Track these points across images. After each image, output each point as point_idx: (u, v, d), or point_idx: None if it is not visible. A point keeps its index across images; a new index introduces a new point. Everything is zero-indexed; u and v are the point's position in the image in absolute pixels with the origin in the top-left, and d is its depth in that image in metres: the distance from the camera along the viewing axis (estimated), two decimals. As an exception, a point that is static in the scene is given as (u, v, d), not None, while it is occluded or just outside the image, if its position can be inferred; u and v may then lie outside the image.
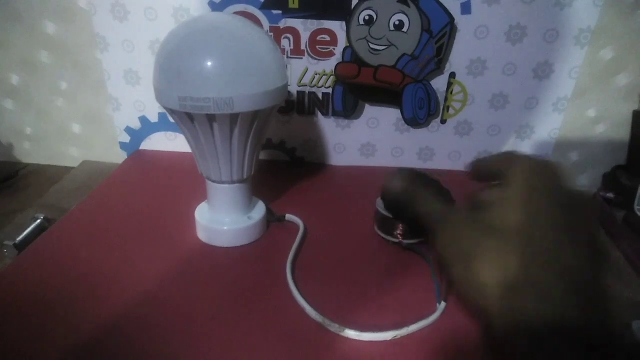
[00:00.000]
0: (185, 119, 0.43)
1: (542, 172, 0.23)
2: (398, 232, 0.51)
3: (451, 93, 0.65)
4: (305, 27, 0.62)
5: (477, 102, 0.66)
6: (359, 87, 0.66)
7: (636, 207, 0.59)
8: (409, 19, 0.60)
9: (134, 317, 0.41)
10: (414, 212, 0.28)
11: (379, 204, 0.52)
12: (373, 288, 0.46)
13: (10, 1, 0.64)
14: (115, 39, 0.64)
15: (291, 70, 0.65)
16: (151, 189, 0.63)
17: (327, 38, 0.62)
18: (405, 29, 0.61)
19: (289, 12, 0.61)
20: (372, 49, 0.63)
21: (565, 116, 0.67)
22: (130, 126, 0.72)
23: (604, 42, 0.62)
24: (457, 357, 0.39)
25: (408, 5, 0.59)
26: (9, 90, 0.71)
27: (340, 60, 0.64)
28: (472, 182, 0.28)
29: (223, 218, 0.51)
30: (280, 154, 0.73)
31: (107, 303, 0.42)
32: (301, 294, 0.44)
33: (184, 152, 0.72)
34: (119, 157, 0.74)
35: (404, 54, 0.63)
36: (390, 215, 0.50)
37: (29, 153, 0.77)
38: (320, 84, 0.66)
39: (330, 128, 0.70)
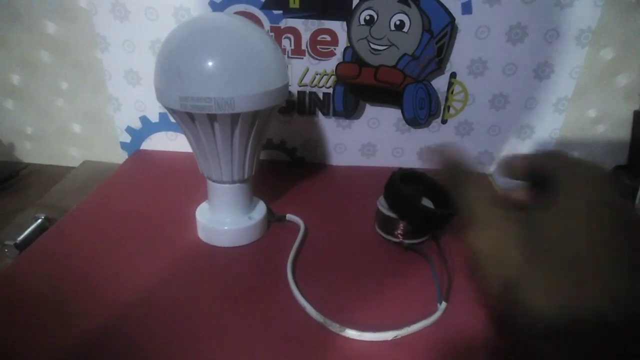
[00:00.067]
0: (186, 118, 0.43)
1: (603, 184, 0.21)
2: (399, 231, 0.51)
3: (452, 93, 0.65)
4: (305, 27, 0.62)
5: (477, 102, 0.66)
6: (359, 87, 0.66)
7: (637, 207, 0.59)
8: (409, 18, 0.60)
9: (134, 316, 0.41)
10: (456, 194, 0.25)
11: (380, 204, 0.52)
12: (374, 288, 0.46)
13: (11, 1, 0.64)
14: (115, 39, 0.64)
15: (292, 70, 0.65)
16: (152, 188, 0.63)
17: (328, 38, 0.62)
18: (405, 29, 0.61)
19: (289, 12, 0.61)
20: (372, 48, 0.63)
21: (565, 116, 0.67)
22: (131, 126, 0.72)
23: (604, 42, 0.62)
24: (458, 356, 0.39)
25: (409, 5, 0.59)
26: (10, 90, 0.72)
27: (341, 60, 0.64)
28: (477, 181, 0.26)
29: (224, 218, 0.51)
30: (281, 154, 0.73)
31: (108, 302, 0.42)
32: (302, 293, 0.44)
33: (185, 152, 0.72)
34: (120, 157, 0.74)
35: (405, 54, 0.63)
36: (392, 215, 0.50)
37: (30, 153, 0.78)
38: (320, 84, 0.66)
39: (330, 128, 0.70)
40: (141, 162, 0.72)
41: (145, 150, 0.74)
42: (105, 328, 0.40)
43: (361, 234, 0.54)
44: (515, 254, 0.21)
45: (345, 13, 0.61)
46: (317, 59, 0.64)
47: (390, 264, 0.50)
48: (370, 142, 0.70)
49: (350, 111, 0.68)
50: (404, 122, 0.68)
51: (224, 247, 0.51)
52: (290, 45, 0.63)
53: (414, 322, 0.41)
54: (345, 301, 0.44)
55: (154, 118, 0.71)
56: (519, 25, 0.60)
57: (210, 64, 0.40)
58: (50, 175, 0.73)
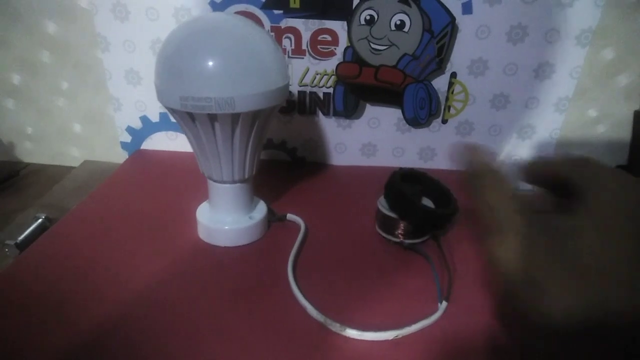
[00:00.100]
0: (186, 118, 0.43)
1: (635, 194, 0.20)
2: (399, 231, 0.51)
3: (452, 93, 0.65)
4: (306, 27, 0.62)
5: (478, 102, 0.66)
6: (359, 87, 0.66)
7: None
8: (410, 18, 0.60)
9: (134, 315, 0.41)
10: (479, 194, 0.24)
11: (381, 203, 0.52)
12: (374, 287, 0.46)
13: (11, 1, 0.64)
14: (116, 39, 0.64)
15: (292, 70, 0.65)
16: (152, 188, 0.63)
17: (328, 38, 0.62)
18: (406, 29, 0.61)
19: (290, 12, 0.61)
20: (373, 48, 0.63)
21: (566, 116, 0.66)
22: (131, 126, 0.72)
23: (605, 42, 0.62)
24: (459, 356, 0.39)
25: (409, 5, 0.59)
26: (10, 89, 0.72)
27: (341, 60, 0.64)
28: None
29: (224, 217, 0.51)
30: (281, 153, 0.73)
31: (108, 302, 0.42)
32: (302, 293, 0.44)
33: (185, 152, 0.72)
34: (120, 156, 0.74)
35: (405, 54, 0.63)
36: (392, 215, 0.50)
37: (30, 152, 0.78)
38: (321, 84, 0.66)
39: (331, 128, 0.70)
40: (141, 161, 0.72)
41: (145, 150, 0.74)
42: (106, 327, 0.40)
43: (361, 234, 0.54)
44: (540, 264, 0.20)
45: (345, 13, 0.61)
46: (317, 59, 0.64)
47: (390, 263, 0.50)
48: (371, 142, 0.70)
49: (350, 111, 0.68)
50: (404, 122, 0.68)
51: (225, 247, 0.51)
52: (291, 45, 0.63)
53: (414, 322, 0.41)
54: (346, 301, 0.44)
55: (155, 118, 0.71)
56: (520, 25, 0.60)
57: (210, 63, 0.40)
58: (50, 175, 0.73)
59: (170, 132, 0.72)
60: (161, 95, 0.43)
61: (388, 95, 0.66)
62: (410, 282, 0.47)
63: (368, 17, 0.61)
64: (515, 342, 0.22)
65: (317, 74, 0.65)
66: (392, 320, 0.41)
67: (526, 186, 0.25)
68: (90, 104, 0.72)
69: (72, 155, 0.77)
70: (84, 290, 0.44)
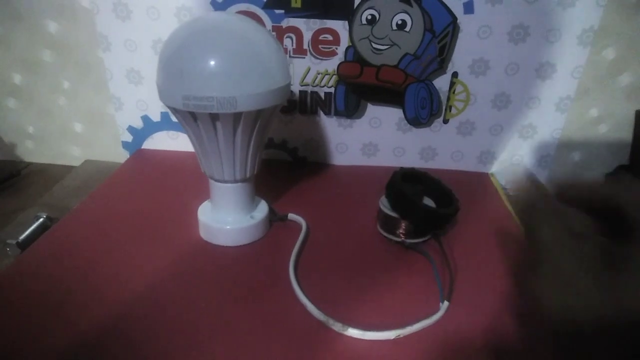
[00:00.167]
0: (188, 117, 0.43)
1: None
2: (401, 231, 0.51)
3: (453, 92, 0.65)
4: (307, 27, 0.62)
5: (479, 102, 0.66)
6: (361, 87, 0.66)
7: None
8: (411, 18, 0.60)
9: (135, 315, 0.41)
10: (529, 220, 0.23)
11: (382, 203, 0.52)
12: (376, 287, 0.46)
13: (12, 0, 0.64)
14: (117, 38, 0.64)
15: (293, 70, 0.65)
16: (153, 188, 0.63)
17: (330, 37, 0.62)
18: (407, 29, 0.61)
19: (291, 12, 0.61)
20: (374, 48, 0.63)
21: (567, 116, 0.66)
22: (133, 125, 0.72)
23: (606, 42, 0.61)
24: (460, 356, 0.39)
25: (410, 5, 0.59)
26: (12, 89, 0.72)
27: (343, 59, 0.64)
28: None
29: (226, 217, 0.51)
30: (282, 153, 0.73)
31: (109, 301, 0.42)
32: (304, 292, 0.44)
33: (186, 151, 0.72)
34: (121, 156, 0.74)
35: (407, 54, 0.63)
36: (394, 214, 0.50)
37: (31, 152, 0.78)
38: (322, 84, 0.66)
39: (332, 127, 0.70)
40: (142, 161, 0.72)
41: (146, 150, 0.74)
42: (107, 327, 0.40)
43: (363, 234, 0.54)
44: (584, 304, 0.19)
45: (347, 12, 0.60)
46: (318, 59, 0.64)
47: (392, 263, 0.50)
48: (372, 141, 0.70)
49: (351, 111, 0.68)
50: (405, 121, 0.68)
51: (226, 246, 0.51)
52: (292, 45, 0.63)
53: (416, 322, 0.41)
54: (347, 300, 0.44)
55: (156, 117, 0.71)
56: (521, 25, 0.60)
57: (212, 63, 0.40)
58: (51, 174, 0.73)
59: (171, 132, 0.72)
60: (163, 95, 0.43)
61: (389, 95, 0.66)
62: (412, 282, 0.47)
63: (369, 17, 0.61)
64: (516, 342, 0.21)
65: (319, 74, 0.65)
66: (394, 319, 0.41)
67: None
68: (91, 104, 0.72)
69: (73, 155, 0.77)
70: (85, 289, 0.44)
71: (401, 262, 0.50)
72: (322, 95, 0.67)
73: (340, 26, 0.61)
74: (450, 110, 0.67)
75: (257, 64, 0.42)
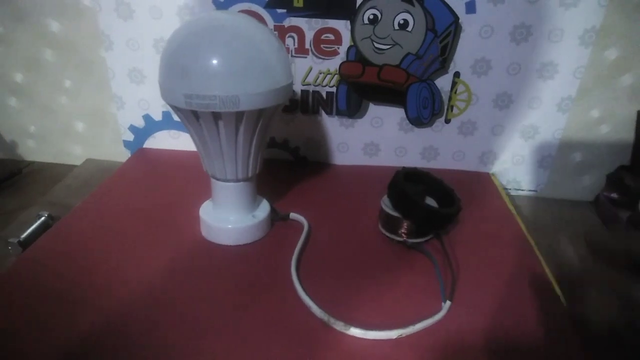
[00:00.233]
0: (190, 116, 0.43)
1: None
2: (402, 230, 0.51)
3: (455, 92, 0.65)
4: (309, 26, 0.62)
5: (481, 102, 0.66)
6: (363, 86, 0.66)
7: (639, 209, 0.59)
8: (413, 18, 0.60)
9: (137, 314, 0.41)
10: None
11: (384, 203, 0.52)
12: (378, 286, 0.46)
13: (15, -1, 0.64)
14: (119, 37, 0.64)
15: (295, 69, 0.65)
16: (155, 187, 0.63)
17: (332, 37, 0.62)
18: (409, 28, 0.61)
19: (293, 11, 0.61)
20: (376, 48, 0.63)
21: (569, 116, 0.66)
22: (134, 124, 0.72)
23: (608, 42, 0.61)
24: (462, 356, 0.39)
25: (412, 4, 0.59)
26: (13, 88, 0.72)
27: (345, 59, 0.64)
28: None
29: (227, 216, 0.51)
30: (284, 152, 0.73)
31: (110, 300, 0.42)
32: (306, 292, 0.44)
33: (188, 151, 0.72)
34: (123, 155, 0.74)
35: (408, 53, 0.63)
36: (396, 214, 0.50)
37: (33, 151, 0.78)
38: (324, 83, 0.66)
39: (333, 127, 0.70)
40: (144, 160, 0.72)
41: (148, 149, 0.74)
42: (108, 325, 0.40)
43: (365, 233, 0.54)
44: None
45: (349, 12, 0.60)
46: (320, 58, 0.64)
47: (394, 263, 0.50)
48: (373, 141, 0.70)
49: (353, 110, 0.68)
50: (407, 121, 0.68)
51: (228, 246, 0.51)
52: (294, 44, 0.63)
53: (418, 321, 0.41)
54: (349, 300, 0.44)
55: (157, 117, 0.71)
56: (523, 25, 0.60)
57: (215, 62, 0.40)
58: (53, 173, 0.73)
59: (173, 131, 0.72)
60: (165, 94, 0.43)
61: (391, 95, 0.66)
62: (414, 282, 0.47)
63: (371, 17, 0.61)
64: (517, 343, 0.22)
65: (320, 73, 0.65)
66: (396, 319, 0.41)
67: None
68: (93, 103, 0.72)
69: (75, 154, 0.77)
70: (86, 288, 0.44)
71: (403, 262, 0.50)
72: (324, 94, 0.67)
73: (342, 26, 0.61)
74: (452, 110, 0.67)
75: (259, 63, 0.42)
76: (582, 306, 0.26)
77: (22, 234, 0.52)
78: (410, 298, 0.45)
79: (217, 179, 0.49)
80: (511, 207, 0.63)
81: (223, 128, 0.44)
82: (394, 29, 0.61)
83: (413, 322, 0.41)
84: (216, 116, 0.42)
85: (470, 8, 0.59)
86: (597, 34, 0.60)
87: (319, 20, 0.61)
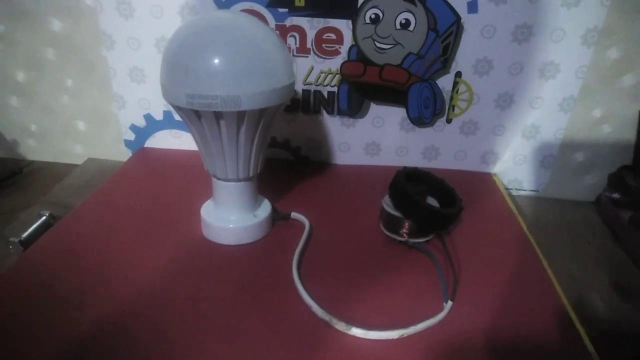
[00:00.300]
0: (192, 116, 0.43)
1: None
2: (404, 230, 0.50)
3: (457, 92, 0.65)
4: (311, 26, 0.62)
5: (482, 102, 0.66)
6: (364, 86, 0.66)
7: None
8: (415, 17, 0.60)
9: (137, 313, 0.41)
10: None
11: (385, 203, 0.52)
12: (379, 287, 0.46)
13: (16, -2, 0.64)
14: (120, 37, 0.64)
15: (297, 69, 0.65)
16: (156, 186, 0.63)
17: (333, 36, 0.62)
18: (411, 28, 0.61)
19: (295, 11, 0.61)
20: (378, 47, 0.62)
21: (571, 116, 0.66)
22: (135, 124, 0.72)
23: (610, 42, 0.61)
24: (464, 356, 0.39)
25: (414, 4, 0.59)
26: (14, 87, 0.72)
27: (346, 58, 0.64)
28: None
29: (229, 216, 0.51)
30: (285, 152, 0.72)
31: (111, 299, 0.42)
32: (307, 292, 0.44)
33: (189, 150, 0.72)
34: (124, 154, 0.74)
35: (410, 53, 0.63)
36: (397, 214, 0.50)
37: (34, 150, 0.78)
38: (325, 83, 0.66)
39: (335, 127, 0.69)
40: (145, 160, 0.72)
41: (149, 148, 0.74)
42: (108, 325, 0.40)
43: (366, 233, 0.54)
44: None
45: (350, 11, 0.60)
46: (322, 58, 0.64)
47: (395, 263, 0.50)
48: (375, 141, 0.70)
49: (354, 110, 0.68)
50: (408, 121, 0.68)
51: (229, 245, 0.51)
52: (296, 44, 0.63)
53: (419, 321, 0.41)
54: (351, 300, 0.44)
55: (158, 116, 0.71)
56: (525, 25, 0.60)
57: (217, 61, 0.40)
58: (54, 172, 0.73)
59: (174, 130, 0.72)
60: (167, 93, 0.43)
61: (392, 95, 0.66)
62: (415, 282, 0.47)
63: (373, 16, 0.60)
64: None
65: (322, 73, 0.65)
66: (397, 319, 0.41)
67: None
68: (94, 102, 0.72)
69: (76, 153, 0.77)
70: (87, 287, 0.44)
71: (404, 262, 0.50)
72: (325, 94, 0.67)
73: (343, 25, 0.61)
74: (453, 110, 0.67)
75: (261, 62, 0.42)
76: None
77: (23, 233, 0.52)
78: (411, 298, 0.45)
79: (219, 179, 0.49)
80: (513, 207, 0.63)
81: (224, 127, 0.44)
82: (396, 29, 0.61)
83: (415, 322, 0.40)
84: (218, 116, 0.42)
85: (472, 8, 0.59)
86: (599, 33, 0.60)
87: (321, 19, 0.61)
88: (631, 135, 0.67)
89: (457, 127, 0.68)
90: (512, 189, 0.73)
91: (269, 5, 0.61)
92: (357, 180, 0.68)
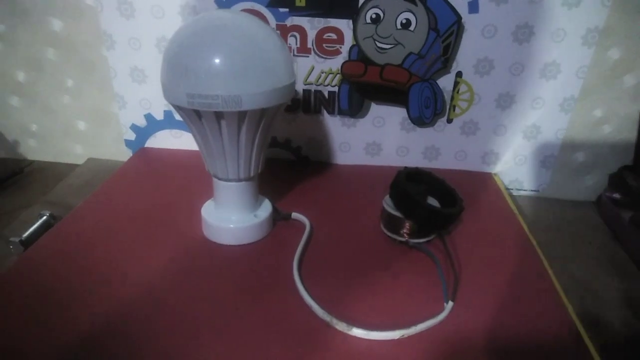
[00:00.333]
0: (193, 116, 0.43)
1: None
2: (405, 230, 0.50)
3: (457, 92, 0.65)
4: (311, 25, 0.62)
5: (483, 102, 0.66)
6: (365, 86, 0.66)
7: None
8: (416, 17, 0.60)
9: (138, 313, 0.41)
10: None
11: (386, 203, 0.52)
12: (380, 287, 0.46)
13: (17, -2, 0.64)
14: (121, 37, 0.64)
15: (297, 69, 0.65)
16: (157, 186, 0.63)
17: (334, 36, 0.62)
18: (412, 28, 0.61)
19: (295, 10, 0.61)
20: (378, 47, 0.62)
21: (571, 116, 0.66)
22: (136, 123, 0.72)
23: (611, 42, 0.61)
24: (465, 356, 0.39)
25: (415, 4, 0.59)
26: (15, 87, 0.72)
27: (347, 58, 0.64)
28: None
29: (229, 216, 0.51)
30: (286, 152, 0.72)
31: (112, 299, 0.42)
32: (308, 292, 0.43)
33: (190, 150, 0.72)
34: (124, 154, 0.74)
35: (411, 53, 0.62)
36: (398, 214, 0.50)
37: (34, 150, 0.78)
38: (326, 83, 0.66)
39: (335, 127, 0.69)
40: (146, 159, 0.71)
41: (149, 148, 0.74)
42: (109, 324, 0.40)
43: (367, 233, 0.54)
44: None
45: (351, 11, 0.60)
46: (322, 58, 0.64)
47: (396, 263, 0.50)
48: (375, 141, 0.70)
49: (355, 110, 0.68)
50: (409, 121, 0.68)
51: (230, 245, 0.51)
52: (296, 44, 0.63)
53: (420, 322, 0.41)
54: (351, 300, 0.44)
55: (159, 116, 0.71)
56: (526, 25, 0.59)
57: (217, 61, 0.40)
58: (54, 172, 0.73)
59: (174, 130, 0.72)
60: (168, 93, 0.43)
61: (393, 94, 0.66)
62: (416, 282, 0.47)
63: (374, 16, 0.60)
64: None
65: (322, 73, 0.65)
66: (398, 319, 0.41)
67: None
68: (94, 102, 0.72)
69: (76, 153, 0.77)
70: (88, 287, 0.44)
71: (405, 262, 0.50)
72: (326, 94, 0.67)
73: (344, 25, 0.61)
74: (454, 110, 0.67)
75: (262, 62, 0.42)
76: None
77: (23, 233, 0.52)
78: (412, 298, 0.45)
79: (219, 179, 0.49)
80: (513, 207, 0.63)
81: (225, 127, 0.44)
82: (397, 29, 0.61)
83: (415, 323, 0.40)
84: (218, 116, 0.42)
85: (473, 7, 0.59)
86: (600, 34, 0.60)
87: (321, 19, 0.61)
88: (632, 136, 0.67)
89: (457, 127, 0.68)
90: (512, 189, 0.73)
91: (269, 5, 0.61)
92: (357, 180, 0.68)
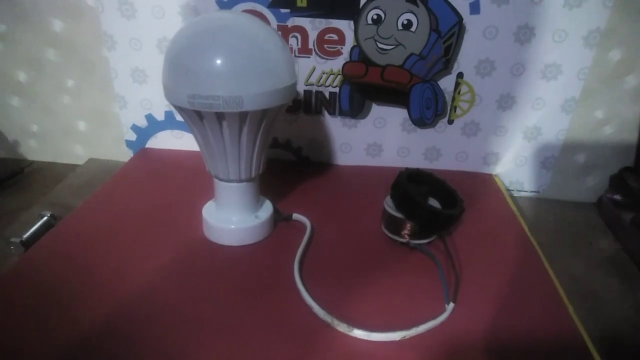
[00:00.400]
0: (194, 116, 0.43)
1: None
2: (406, 232, 0.50)
3: (459, 93, 0.65)
4: (313, 26, 0.61)
5: (484, 103, 0.66)
6: (366, 87, 0.66)
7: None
8: (417, 18, 0.60)
9: (138, 314, 0.41)
10: None
11: (387, 204, 0.52)
12: (381, 288, 0.46)
13: (18, -2, 0.64)
14: (122, 37, 0.64)
15: (298, 69, 0.65)
16: (157, 187, 0.63)
17: (335, 37, 0.62)
18: (413, 29, 0.61)
19: (296, 11, 0.61)
20: (379, 48, 0.62)
21: (572, 117, 0.66)
22: (137, 124, 0.72)
23: (613, 43, 0.61)
24: (466, 357, 0.39)
25: (416, 5, 0.59)
26: (15, 87, 0.71)
27: (348, 59, 0.64)
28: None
29: (230, 217, 0.51)
30: (287, 153, 0.72)
31: (113, 300, 0.42)
32: (309, 293, 0.43)
33: (191, 151, 0.72)
34: (125, 155, 0.74)
35: (412, 54, 0.62)
36: (399, 215, 0.50)
37: (35, 150, 0.78)
38: (327, 83, 0.66)
39: (336, 127, 0.69)
40: (146, 160, 0.71)
41: (150, 149, 0.74)
42: (109, 325, 0.40)
43: (368, 234, 0.54)
44: None
45: (352, 12, 0.60)
46: (324, 58, 0.64)
47: (397, 264, 0.50)
48: (376, 142, 0.70)
49: (356, 111, 0.68)
50: (410, 122, 0.68)
51: (231, 246, 0.51)
52: (297, 44, 0.63)
53: (421, 323, 0.40)
54: (352, 301, 0.44)
55: (160, 116, 0.71)
56: (527, 26, 0.59)
57: (219, 62, 0.40)
58: (55, 172, 0.73)
59: (175, 131, 0.72)
60: (169, 94, 0.43)
61: (394, 95, 0.66)
62: (417, 283, 0.47)
63: (375, 17, 0.60)
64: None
65: (324, 73, 0.65)
66: (399, 321, 0.41)
67: None
68: (95, 102, 0.72)
69: (77, 153, 0.77)
70: (88, 288, 0.44)
71: (406, 263, 0.50)
72: (327, 95, 0.67)
73: (345, 26, 0.61)
74: (455, 111, 0.67)
75: (263, 63, 0.42)
76: None
77: (24, 234, 0.52)
78: (413, 299, 0.45)
79: (220, 180, 0.49)
80: (514, 208, 0.62)
81: (226, 128, 0.44)
82: (398, 29, 0.61)
83: (416, 324, 0.40)
84: (220, 116, 0.42)
85: (475, 9, 0.59)
86: (601, 35, 0.60)
87: (323, 20, 0.61)
88: (633, 137, 0.67)
89: (458, 128, 0.68)
90: (513, 190, 0.73)
91: (270, 6, 0.61)
92: (358, 181, 0.68)
